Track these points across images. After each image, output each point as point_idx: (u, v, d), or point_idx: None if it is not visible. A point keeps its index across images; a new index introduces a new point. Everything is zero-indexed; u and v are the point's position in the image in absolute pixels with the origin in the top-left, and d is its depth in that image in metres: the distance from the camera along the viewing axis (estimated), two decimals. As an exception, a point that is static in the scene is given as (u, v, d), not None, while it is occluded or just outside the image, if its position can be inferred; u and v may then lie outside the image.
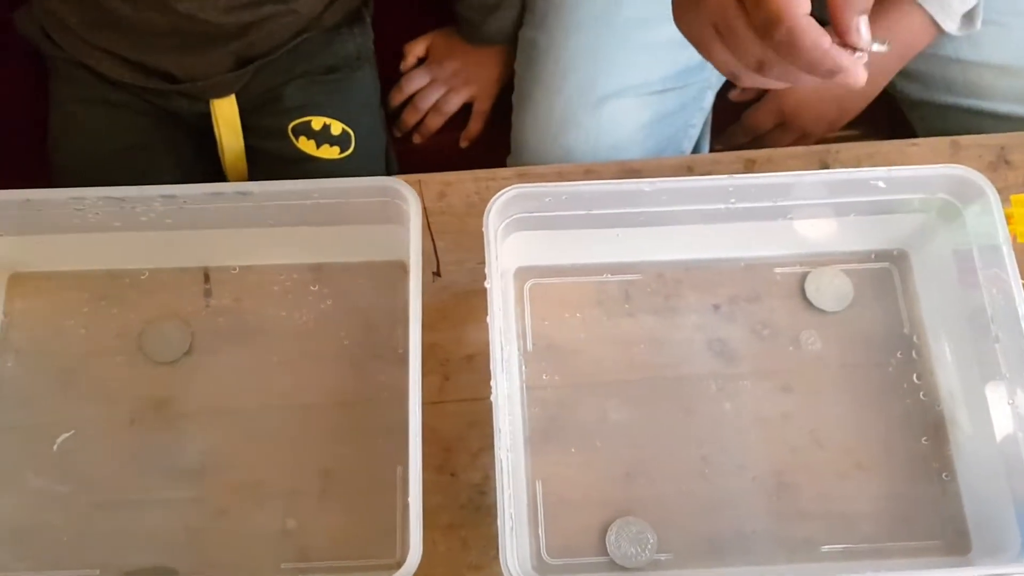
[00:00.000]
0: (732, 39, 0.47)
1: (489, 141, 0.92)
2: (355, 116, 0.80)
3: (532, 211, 0.60)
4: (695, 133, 0.85)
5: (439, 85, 0.90)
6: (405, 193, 0.57)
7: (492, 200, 0.57)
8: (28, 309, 0.65)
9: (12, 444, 0.62)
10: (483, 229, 0.57)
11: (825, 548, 0.59)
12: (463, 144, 0.92)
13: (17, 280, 0.65)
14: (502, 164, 0.87)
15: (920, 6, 0.75)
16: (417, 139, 0.92)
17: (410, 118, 0.90)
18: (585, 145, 0.79)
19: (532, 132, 0.82)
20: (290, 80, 0.78)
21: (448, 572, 0.59)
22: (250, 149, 0.80)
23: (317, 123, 0.78)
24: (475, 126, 0.91)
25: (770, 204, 0.60)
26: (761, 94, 0.87)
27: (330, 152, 0.79)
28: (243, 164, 0.80)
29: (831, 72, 0.45)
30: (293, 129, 0.78)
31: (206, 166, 0.81)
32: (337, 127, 0.79)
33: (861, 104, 0.84)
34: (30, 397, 0.63)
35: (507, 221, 0.60)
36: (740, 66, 0.48)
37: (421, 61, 0.92)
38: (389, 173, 0.86)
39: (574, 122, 0.79)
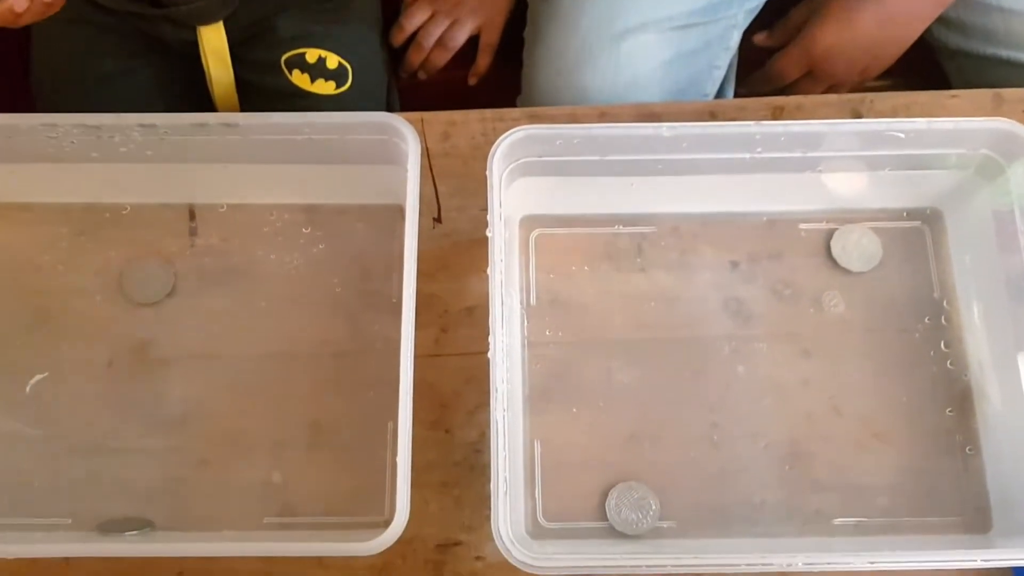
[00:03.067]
0: None
1: (500, 80, 0.87)
2: (353, 49, 0.75)
3: (541, 155, 0.55)
4: (719, 75, 0.80)
5: (442, 17, 0.84)
6: (404, 131, 0.53)
7: (497, 141, 0.53)
8: (2, 243, 0.61)
9: (-16, 384, 0.59)
10: (486, 173, 0.52)
11: (838, 521, 0.56)
12: (472, 81, 0.87)
13: (-10, 211, 0.62)
14: (512, 105, 0.82)
15: None
16: (422, 76, 0.87)
17: (415, 57, 0.85)
18: (601, 83, 0.74)
19: (544, 70, 0.77)
20: (283, 9, 0.73)
21: (439, 532, 0.57)
22: (242, 83, 0.75)
23: (312, 56, 0.74)
24: (483, 60, 0.86)
25: (798, 155, 0.56)
26: (788, 39, 0.82)
27: (325, 87, 0.74)
28: (234, 98, 0.75)
29: None
30: (286, 62, 0.73)
31: (197, 99, 0.76)
32: (333, 60, 0.74)
33: (895, 52, 0.79)
34: (3, 335, 0.60)
35: (513, 165, 0.55)
36: None
37: None
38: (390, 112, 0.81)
39: (590, 59, 0.75)
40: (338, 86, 0.75)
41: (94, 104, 0.72)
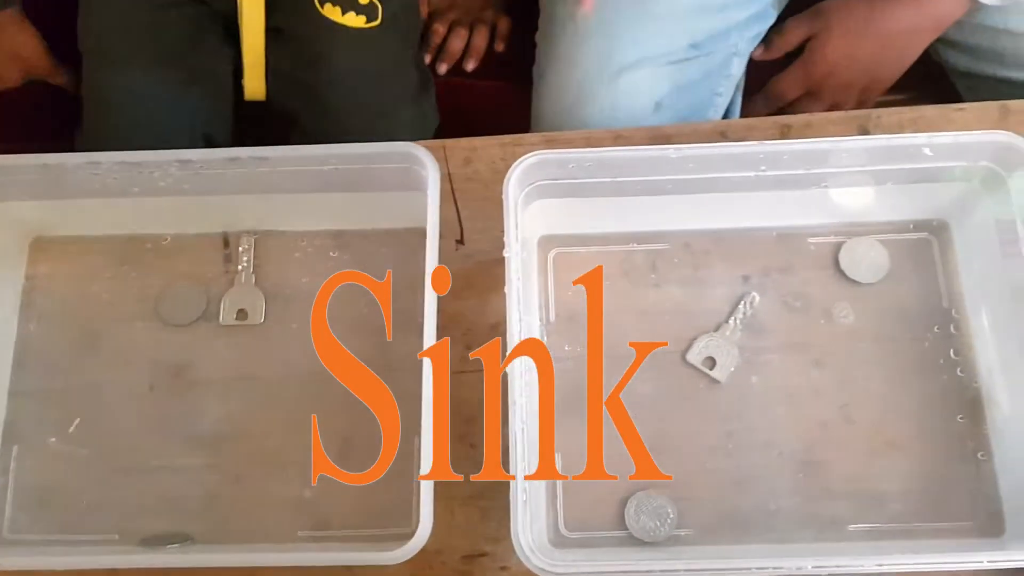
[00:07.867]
0: None
1: (521, 108, 0.90)
2: None
3: (556, 178, 0.58)
4: (722, 102, 0.82)
5: (461, 27, 0.91)
6: (424, 159, 0.56)
7: (513, 166, 0.55)
8: (51, 274, 0.65)
9: (34, 408, 0.62)
10: (502, 196, 0.55)
11: (852, 527, 0.58)
12: (499, 47, 0.93)
13: (40, 244, 0.66)
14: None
15: None
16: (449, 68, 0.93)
17: (444, 66, 0.92)
18: (600, 119, 0.77)
19: (549, 107, 0.80)
20: None
21: (465, 543, 0.59)
22: (274, 32, 0.77)
23: None
24: (501, 46, 0.93)
25: (805, 171, 0.58)
26: (788, 58, 0.84)
27: (356, 20, 0.76)
28: (262, 48, 0.77)
29: None
30: None
31: (229, 50, 0.80)
32: None
33: (895, 72, 0.80)
34: (52, 362, 0.63)
35: (529, 188, 0.58)
36: None
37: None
38: (423, 80, 0.84)
39: (591, 95, 0.77)
40: (368, 20, 0.76)
41: (136, 56, 0.75)
